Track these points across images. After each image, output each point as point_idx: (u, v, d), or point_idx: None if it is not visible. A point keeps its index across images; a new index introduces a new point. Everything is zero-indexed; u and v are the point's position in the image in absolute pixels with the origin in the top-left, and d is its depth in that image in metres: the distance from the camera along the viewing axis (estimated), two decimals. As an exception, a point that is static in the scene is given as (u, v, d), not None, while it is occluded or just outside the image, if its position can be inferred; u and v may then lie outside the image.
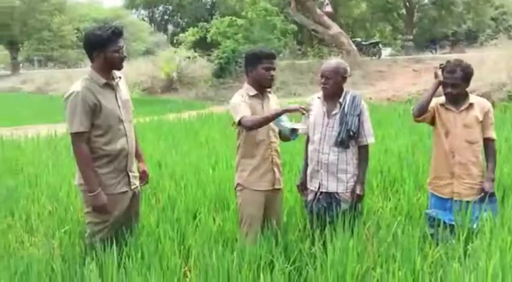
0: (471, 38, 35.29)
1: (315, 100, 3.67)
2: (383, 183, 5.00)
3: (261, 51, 3.56)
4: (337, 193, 3.53)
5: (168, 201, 4.53)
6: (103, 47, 3.15)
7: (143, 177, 3.58)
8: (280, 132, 3.60)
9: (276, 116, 3.36)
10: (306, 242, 3.39)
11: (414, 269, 2.91)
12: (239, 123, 3.40)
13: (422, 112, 3.65)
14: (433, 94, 3.60)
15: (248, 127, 3.38)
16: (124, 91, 3.38)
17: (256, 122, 3.35)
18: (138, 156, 3.56)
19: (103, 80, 3.21)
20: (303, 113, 3.40)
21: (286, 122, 3.46)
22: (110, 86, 3.25)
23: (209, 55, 21.90)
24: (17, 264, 3.19)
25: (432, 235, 3.38)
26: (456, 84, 3.55)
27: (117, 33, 3.17)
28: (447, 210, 3.60)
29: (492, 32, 33.60)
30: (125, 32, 3.29)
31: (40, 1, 41.22)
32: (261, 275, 2.92)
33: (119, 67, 3.28)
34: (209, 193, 4.75)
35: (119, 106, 3.27)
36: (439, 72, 3.61)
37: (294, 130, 3.42)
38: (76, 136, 3.14)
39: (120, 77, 3.35)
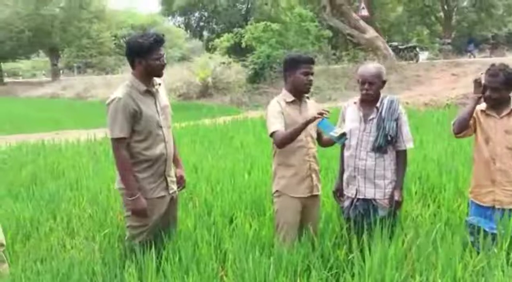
0: (512, 41, 34.41)
1: (351, 105, 3.64)
2: (422, 190, 4.91)
3: (300, 56, 3.54)
4: (374, 199, 3.48)
5: (204, 205, 4.57)
6: (145, 55, 3.21)
7: (180, 182, 3.64)
8: (319, 137, 3.58)
9: (300, 130, 3.30)
10: (343, 249, 3.37)
11: (455, 278, 2.85)
12: (271, 136, 3.41)
13: (463, 129, 3.55)
14: (473, 109, 3.49)
15: (276, 145, 3.39)
16: (163, 97, 3.44)
17: (284, 140, 3.32)
18: (176, 161, 3.61)
19: (144, 87, 3.27)
20: (325, 116, 3.25)
21: (333, 127, 3.36)
22: (150, 93, 3.32)
23: (244, 60, 22.03)
24: (59, 266, 3.29)
25: (472, 243, 3.30)
26: (496, 88, 3.45)
27: (158, 41, 3.23)
28: (487, 218, 3.51)
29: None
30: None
31: (80, 9, 42.35)
32: (298, 281, 2.91)
33: (160, 75, 3.34)
34: (245, 197, 4.76)
35: (158, 113, 3.33)
36: (482, 77, 3.51)
37: (343, 135, 3.35)
38: (116, 142, 3.21)
39: (159, 84, 3.41)
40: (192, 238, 3.62)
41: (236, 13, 38.55)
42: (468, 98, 11.21)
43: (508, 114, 3.50)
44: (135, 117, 3.20)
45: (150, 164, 3.30)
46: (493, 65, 3.53)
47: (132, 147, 3.25)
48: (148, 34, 3.26)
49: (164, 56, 3.30)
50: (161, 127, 3.33)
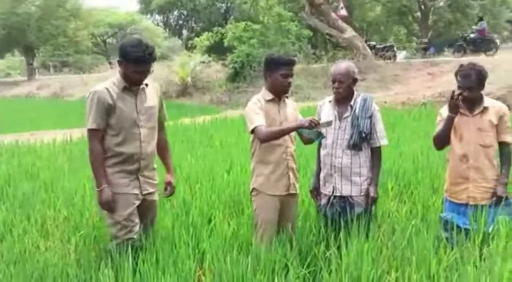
0: (487, 41, 34.90)
1: (326, 104, 3.67)
2: (398, 186, 4.96)
3: (281, 57, 3.55)
4: (351, 196, 3.52)
5: (183, 205, 4.54)
6: (127, 63, 3.23)
7: (168, 188, 3.66)
8: (301, 136, 3.60)
9: (289, 132, 3.42)
10: (321, 246, 3.38)
11: (430, 273, 2.89)
12: (252, 131, 3.41)
13: (444, 144, 3.72)
14: (450, 128, 3.59)
15: (260, 139, 3.40)
16: (150, 98, 3.42)
17: (270, 136, 3.37)
18: (166, 167, 3.67)
19: (123, 84, 3.29)
20: (316, 125, 3.32)
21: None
22: (130, 90, 3.32)
23: (224, 59, 21.94)
24: (33, 268, 3.23)
25: (447, 238, 3.35)
26: (471, 88, 3.52)
27: (144, 60, 3.22)
28: (460, 213, 3.58)
29: (510, 34, 33.25)
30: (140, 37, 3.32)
31: (56, 7, 41.61)
32: (276, 279, 2.91)
33: (134, 85, 3.32)
34: (224, 197, 4.75)
35: (137, 111, 3.32)
36: (459, 101, 3.54)
37: (320, 133, 3.41)
38: (90, 132, 3.28)
39: (146, 84, 3.39)
40: (170, 238, 3.60)
41: (215, 12, 38.37)
42: (444, 97, 11.35)
43: (481, 112, 3.57)
44: (109, 111, 3.24)
45: (121, 160, 3.31)
46: (461, 66, 3.60)
47: (105, 140, 3.29)
48: (143, 45, 3.22)
49: (149, 72, 3.30)
50: (138, 126, 3.31)
